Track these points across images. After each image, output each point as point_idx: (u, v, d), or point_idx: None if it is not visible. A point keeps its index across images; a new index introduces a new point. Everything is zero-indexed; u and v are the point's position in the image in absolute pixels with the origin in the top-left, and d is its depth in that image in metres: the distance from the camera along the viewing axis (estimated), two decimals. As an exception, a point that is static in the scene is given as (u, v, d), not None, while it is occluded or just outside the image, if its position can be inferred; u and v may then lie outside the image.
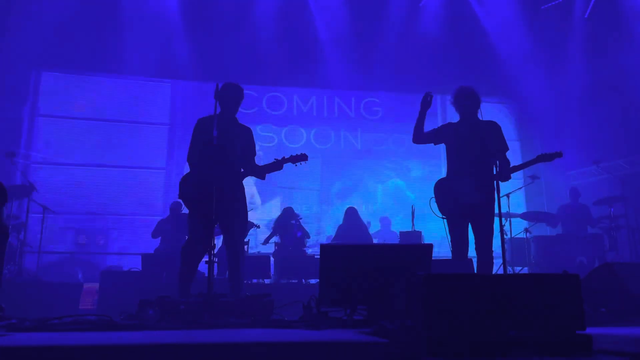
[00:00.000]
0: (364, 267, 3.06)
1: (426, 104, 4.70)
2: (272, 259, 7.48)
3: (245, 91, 4.67)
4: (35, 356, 1.88)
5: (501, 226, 4.26)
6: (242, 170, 4.44)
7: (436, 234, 8.25)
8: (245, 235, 4.54)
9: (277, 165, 4.43)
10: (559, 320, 2.12)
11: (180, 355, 1.93)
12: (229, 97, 4.44)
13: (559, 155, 4.47)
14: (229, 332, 2.50)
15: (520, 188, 8.39)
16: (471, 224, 4.51)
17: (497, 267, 4.85)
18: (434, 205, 4.57)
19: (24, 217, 6.85)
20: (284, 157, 4.45)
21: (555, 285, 2.17)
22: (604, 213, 7.58)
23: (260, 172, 4.46)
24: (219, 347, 1.93)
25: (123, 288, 5.81)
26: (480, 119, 4.59)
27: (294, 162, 4.46)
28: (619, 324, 3.14)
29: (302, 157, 4.46)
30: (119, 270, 7.53)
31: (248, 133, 4.59)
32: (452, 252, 4.56)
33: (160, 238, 7.66)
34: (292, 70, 9.87)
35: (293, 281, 6.84)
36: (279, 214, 8.46)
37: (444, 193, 4.58)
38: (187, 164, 4.48)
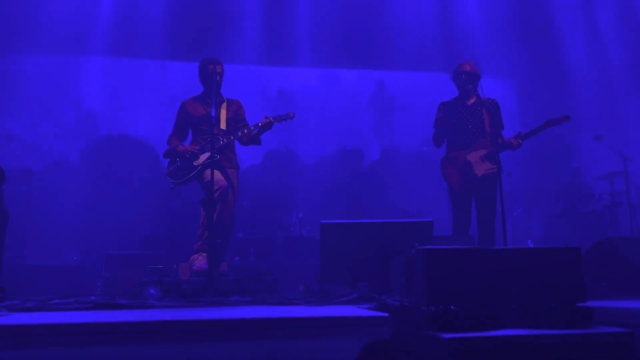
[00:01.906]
0: (365, 244, 3.07)
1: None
2: (273, 239, 7.51)
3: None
4: (37, 333, 1.89)
5: (502, 202, 4.26)
6: (238, 135, 4.41)
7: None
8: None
9: (267, 126, 4.34)
10: (560, 292, 2.12)
11: (182, 331, 1.93)
12: (212, 72, 4.39)
13: (566, 118, 4.52)
14: (231, 310, 2.51)
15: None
16: (475, 199, 4.56)
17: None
18: (445, 182, 4.62)
19: (25, 201, 6.85)
20: (266, 116, 4.35)
21: (556, 258, 2.16)
22: (605, 189, 7.57)
23: (256, 139, 4.45)
24: (221, 323, 1.94)
25: (126, 270, 5.86)
26: (481, 95, 4.56)
27: (278, 121, 4.36)
28: (621, 298, 3.14)
29: (288, 116, 4.39)
30: (122, 253, 7.55)
31: (237, 105, 4.61)
32: (454, 227, 4.59)
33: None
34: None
35: (293, 262, 6.88)
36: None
37: (451, 168, 4.61)
38: None
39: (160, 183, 7.47)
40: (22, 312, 2.44)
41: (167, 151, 4.51)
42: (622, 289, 3.39)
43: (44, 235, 7.40)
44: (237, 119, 4.55)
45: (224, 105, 4.49)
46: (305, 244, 7.20)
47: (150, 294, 2.92)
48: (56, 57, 9.32)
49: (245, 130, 4.37)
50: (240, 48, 9.43)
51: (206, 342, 1.97)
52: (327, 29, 9.61)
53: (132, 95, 10.08)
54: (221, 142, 4.30)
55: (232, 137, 4.38)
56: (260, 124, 4.32)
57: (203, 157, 4.30)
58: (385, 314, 2.05)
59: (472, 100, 4.74)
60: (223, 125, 4.40)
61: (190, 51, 9.38)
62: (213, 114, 3.92)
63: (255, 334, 1.98)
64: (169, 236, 7.19)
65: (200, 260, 4.01)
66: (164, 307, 2.60)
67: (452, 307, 2.01)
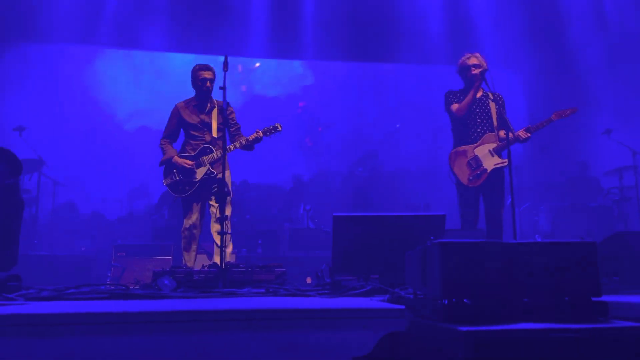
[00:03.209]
0: (377, 236, 3.08)
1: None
2: (281, 231, 7.54)
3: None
4: (54, 322, 1.91)
5: (512, 195, 4.26)
6: (231, 149, 4.69)
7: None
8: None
9: (257, 140, 4.67)
10: (575, 287, 2.12)
11: (198, 321, 1.95)
12: (204, 78, 4.64)
13: (573, 110, 4.54)
14: (244, 300, 2.52)
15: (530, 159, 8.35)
16: (483, 192, 4.56)
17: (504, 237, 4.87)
18: (453, 176, 4.62)
19: (35, 191, 6.90)
20: (257, 130, 4.65)
21: (572, 253, 2.16)
22: (614, 183, 7.54)
23: (249, 147, 4.72)
24: (237, 313, 1.95)
25: (135, 260, 5.91)
26: (487, 88, 4.54)
27: (267, 135, 4.66)
28: (632, 292, 3.15)
29: (276, 129, 4.66)
30: (131, 243, 7.60)
31: (229, 109, 4.79)
32: (462, 221, 4.60)
33: (167, 211, 7.70)
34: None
35: (300, 254, 6.92)
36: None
37: (460, 162, 4.60)
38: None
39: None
40: (38, 301, 2.47)
41: (163, 160, 4.76)
42: (633, 284, 3.39)
43: (53, 225, 7.45)
44: (228, 123, 4.76)
45: (214, 111, 4.72)
46: (312, 236, 7.23)
47: (165, 285, 2.95)
48: (65, 46, 9.33)
49: (237, 145, 4.66)
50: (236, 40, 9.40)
51: (221, 332, 1.98)
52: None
53: (144, 86, 10.09)
54: (215, 157, 4.62)
55: (223, 152, 4.58)
56: (250, 139, 4.64)
57: (200, 173, 4.62)
58: (402, 306, 2.06)
59: (479, 94, 4.73)
60: (215, 133, 4.68)
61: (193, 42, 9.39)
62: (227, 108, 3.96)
63: (271, 325, 1.99)
64: (178, 227, 7.22)
65: None
66: (178, 298, 2.62)
67: (465, 300, 2.02)
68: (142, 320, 1.90)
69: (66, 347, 1.83)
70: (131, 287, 3.16)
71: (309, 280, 5.31)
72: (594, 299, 2.11)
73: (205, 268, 3.89)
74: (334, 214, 3.11)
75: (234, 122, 4.84)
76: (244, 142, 4.65)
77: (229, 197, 4.54)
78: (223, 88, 4.07)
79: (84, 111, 9.84)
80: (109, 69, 10.06)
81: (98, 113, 9.97)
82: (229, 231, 4.27)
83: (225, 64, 4.17)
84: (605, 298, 2.14)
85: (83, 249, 8.07)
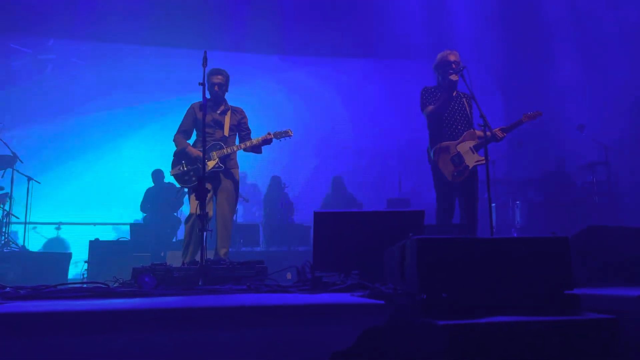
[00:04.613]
0: (357, 232, 3.11)
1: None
2: (260, 227, 7.55)
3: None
4: (35, 322, 1.89)
5: (489, 191, 4.33)
6: (241, 147, 4.81)
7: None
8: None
9: (268, 141, 4.78)
10: (548, 281, 2.19)
11: (182, 319, 1.96)
12: (212, 82, 4.78)
13: (539, 114, 4.66)
14: (226, 297, 2.53)
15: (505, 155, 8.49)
16: (459, 188, 4.62)
17: (480, 232, 4.96)
18: (438, 172, 4.66)
19: (9, 188, 6.77)
20: (269, 132, 4.76)
21: (545, 247, 2.22)
22: (587, 178, 7.71)
23: (257, 149, 4.83)
24: (220, 311, 1.97)
25: (112, 257, 5.86)
26: (464, 85, 4.59)
27: (278, 138, 4.76)
28: (603, 285, 3.24)
29: (287, 133, 4.77)
30: (107, 240, 7.53)
31: (241, 114, 4.97)
32: (438, 216, 4.66)
33: (149, 206, 7.64)
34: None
35: (282, 249, 6.94)
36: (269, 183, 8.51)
37: (444, 158, 4.65)
38: None
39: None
40: (17, 300, 2.44)
41: (177, 150, 4.82)
42: (604, 277, 3.48)
43: (27, 221, 7.33)
44: (240, 126, 4.95)
45: (229, 113, 4.88)
46: (291, 232, 7.25)
47: (145, 282, 2.94)
48: (39, 40, 9.14)
49: (247, 143, 4.77)
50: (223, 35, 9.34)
51: (204, 330, 1.99)
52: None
53: (118, 82, 9.95)
54: (225, 152, 4.71)
55: (234, 149, 4.79)
56: (260, 139, 4.75)
57: (209, 166, 4.67)
58: (381, 302, 2.10)
59: (454, 92, 4.78)
60: (226, 132, 4.80)
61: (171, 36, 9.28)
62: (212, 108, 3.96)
63: (253, 322, 2.01)
64: (156, 223, 7.17)
65: None
66: (159, 296, 2.62)
67: (443, 295, 2.06)
68: (127, 319, 1.90)
69: (48, 347, 1.82)
70: (111, 285, 3.15)
71: (289, 275, 5.34)
72: (566, 292, 2.18)
73: (185, 265, 3.88)
74: (315, 211, 3.14)
75: (245, 126, 4.99)
76: (251, 144, 4.77)
77: (234, 196, 4.78)
78: (202, 84, 4.05)
79: (61, 107, 9.68)
80: (85, 64, 9.89)
81: (75, 109, 9.80)
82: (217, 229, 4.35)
83: (205, 60, 4.14)
84: (577, 291, 2.21)
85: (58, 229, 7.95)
